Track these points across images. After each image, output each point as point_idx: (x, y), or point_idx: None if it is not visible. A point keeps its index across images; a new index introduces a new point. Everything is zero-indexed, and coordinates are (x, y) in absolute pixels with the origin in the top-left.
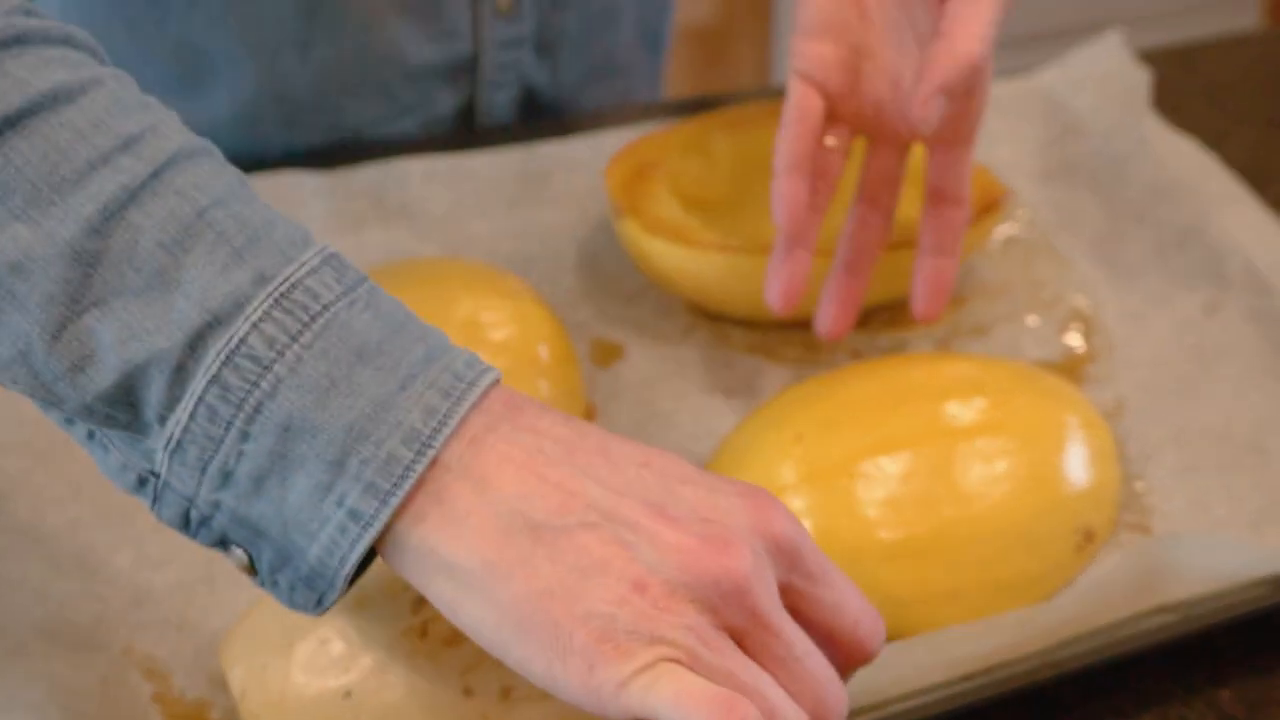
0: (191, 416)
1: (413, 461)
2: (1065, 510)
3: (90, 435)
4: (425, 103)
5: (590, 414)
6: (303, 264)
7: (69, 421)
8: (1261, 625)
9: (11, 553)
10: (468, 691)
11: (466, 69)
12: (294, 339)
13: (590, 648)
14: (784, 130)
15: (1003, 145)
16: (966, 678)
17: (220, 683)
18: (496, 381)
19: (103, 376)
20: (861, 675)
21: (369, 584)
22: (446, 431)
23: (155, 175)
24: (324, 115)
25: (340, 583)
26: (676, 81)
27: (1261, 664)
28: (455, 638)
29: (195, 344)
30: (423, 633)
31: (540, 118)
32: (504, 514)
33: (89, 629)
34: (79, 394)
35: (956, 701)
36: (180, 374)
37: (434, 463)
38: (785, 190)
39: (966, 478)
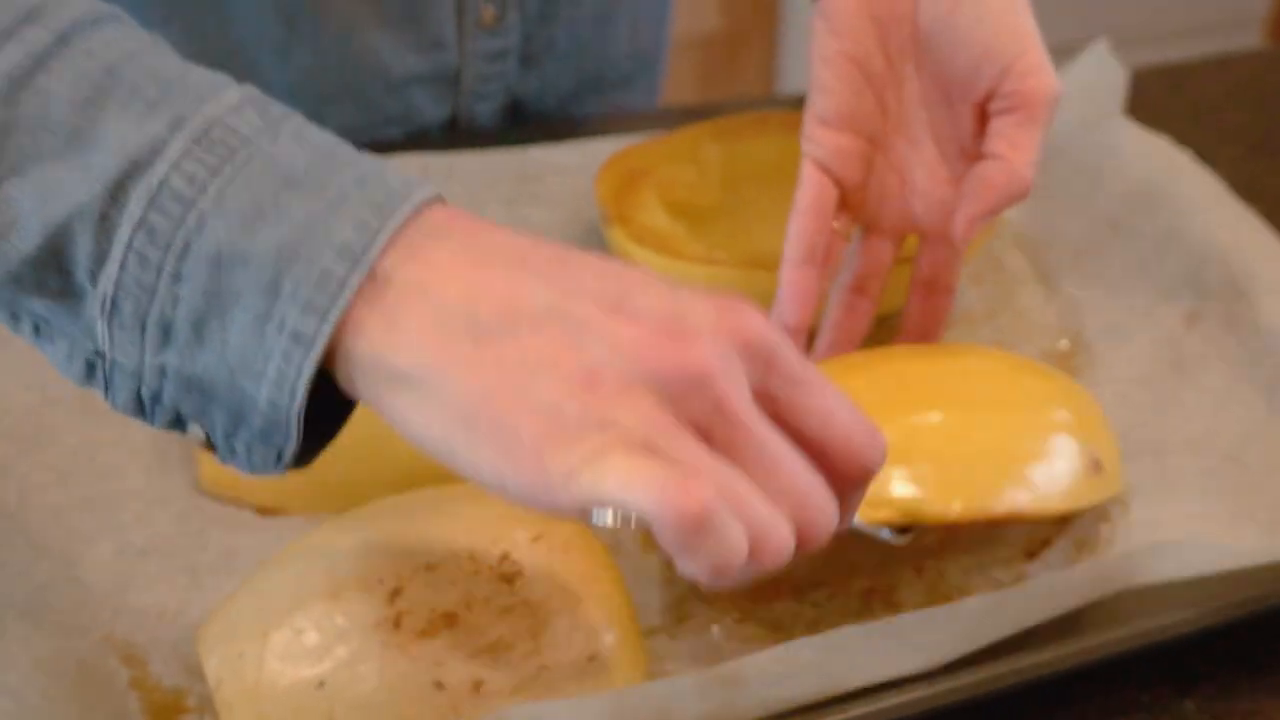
0: (122, 267)
1: (348, 275)
2: (1071, 430)
3: (36, 330)
4: (408, 113)
5: None
6: (221, 102)
7: (14, 317)
8: (1228, 636)
9: None
10: (439, 685)
11: (450, 80)
12: (215, 173)
13: (538, 439)
14: (798, 219)
15: None
16: (928, 681)
17: (197, 671)
18: (438, 199)
19: (26, 240)
20: (819, 660)
21: (345, 574)
22: (380, 242)
23: (62, 40)
24: None
25: (294, 423)
26: (682, 89)
27: (1227, 676)
28: (429, 630)
29: (116, 193)
30: (396, 624)
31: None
32: (446, 318)
33: (69, 614)
34: (4, 263)
35: (917, 707)
36: (105, 225)
37: (372, 274)
38: (797, 283)
39: (968, 393)
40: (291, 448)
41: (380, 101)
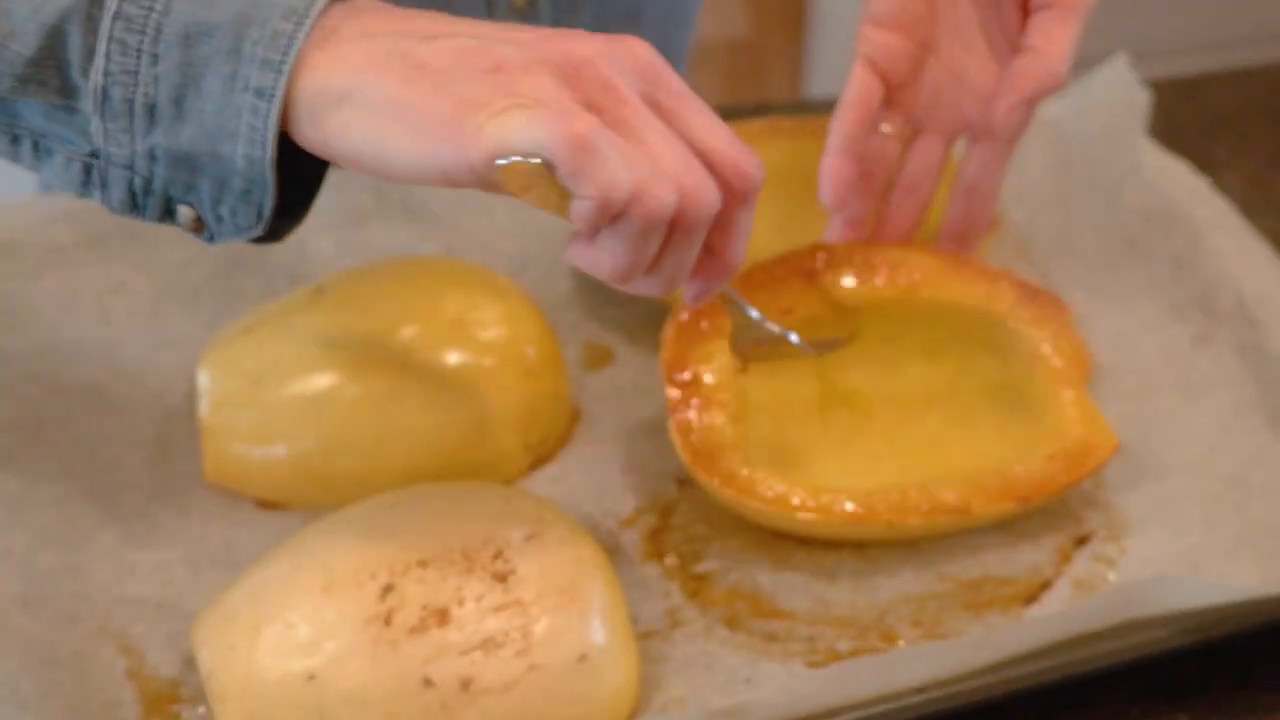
0: (108, 57)
1: (294, 32)
2: None
3: (35, 148)
4: None
5: (576, 416)
6: None
7: (14, 140)
8: (1221, 648)
9: None
10: (428, 681)
11: None
12: None
13: (456, 110)
14: (842, 112)
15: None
16: (919, 690)
17: (194, 662)
18: None
19: (26, 43)
20: (819, 690)
21: (338, 569)
22: (320, 4)
23: None
24: None
25: (269, 176)
26: (708, 94)
27: (1220, 688)
28: (420, 626)
29: None
30: (387, 620)
31: None
32: (382, 47)
33: (68, 603)
34: (10, 66)
35: (905, 714)
36: (90, 23)
37: (320, 27)
38: (836, 169)
39: None
40: (269, 204)
41: None
